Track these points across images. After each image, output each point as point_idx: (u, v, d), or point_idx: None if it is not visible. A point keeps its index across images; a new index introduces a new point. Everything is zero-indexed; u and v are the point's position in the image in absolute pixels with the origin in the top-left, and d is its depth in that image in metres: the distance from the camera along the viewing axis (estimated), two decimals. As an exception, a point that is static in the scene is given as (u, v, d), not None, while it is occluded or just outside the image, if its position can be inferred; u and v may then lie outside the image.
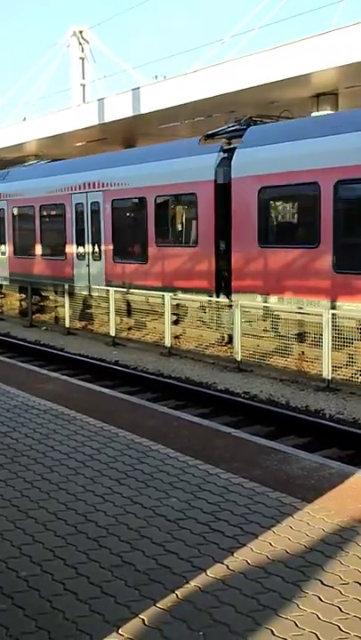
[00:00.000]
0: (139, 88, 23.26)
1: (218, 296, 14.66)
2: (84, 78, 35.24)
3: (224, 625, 3.67)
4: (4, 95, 78.99)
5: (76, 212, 19.10)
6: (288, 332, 13.17)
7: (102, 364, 14.15)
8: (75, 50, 34.94)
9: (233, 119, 16.16)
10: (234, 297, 14.01)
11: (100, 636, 3.59)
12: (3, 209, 22.90)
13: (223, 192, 14.31)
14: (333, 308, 12.06)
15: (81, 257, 19.05)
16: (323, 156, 12.44)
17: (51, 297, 21.17)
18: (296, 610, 3.81)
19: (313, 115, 19.13)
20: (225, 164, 14.37)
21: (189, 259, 15.42)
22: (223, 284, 14.67)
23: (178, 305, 15.65)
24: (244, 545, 4.61)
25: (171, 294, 15.23)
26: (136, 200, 17.18)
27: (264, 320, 13.69)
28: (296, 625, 3.66)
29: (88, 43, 34.94)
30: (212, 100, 20.21)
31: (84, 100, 32.96)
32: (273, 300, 13.43)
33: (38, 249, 21.15)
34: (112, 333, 16.71)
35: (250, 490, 5.60)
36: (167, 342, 15.01)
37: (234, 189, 14.09)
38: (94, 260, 18.49)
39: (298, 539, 4.69)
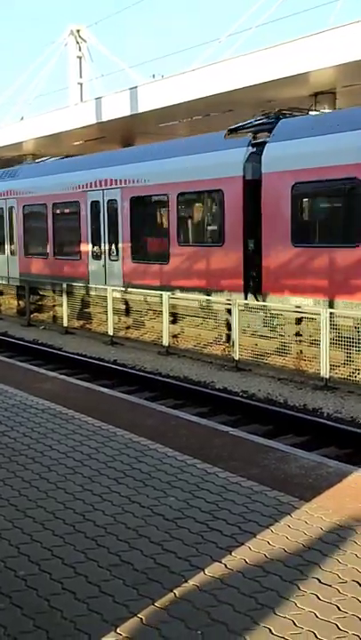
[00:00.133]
0: (136, 87, 23.21)
1: (246, 297, 14.01)
2: (81, 77, 35.16)
3: (222, 624, 3.67)
4: (1, 94, 78.98)
5: (92, 210, 18.48)
6: (285, 331, 13.15)
7: (100, 363, 14.14)
8: (72, 49, 34.84)
9: (260, 113, 15.42)
10: (265, 298, 13.49)
11: (98, 635, 3.60)
12: (13, 207, 22.33)
13: (252, 188, 13.67)
14: None
15: (97, 256, 18.47)
16: None
17: (49, 295, 20.98)
18: (294, 608, 3.82)
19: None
20: (254, 159, 13.71)
21: (215, 258, 14.80)
22: (252, 283, 14.07)
23: (205, 307, 15.00)
24: (243, 544, 4.62)
25: (169, 293, 15.14)
26: (157, 197, 16.65)
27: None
28: (294, 624, 3.67)
29: (86, 42, 34.86)
30: (209, 98, 20.18)
31: (81, 99, 32.93)
32: (309, 302, 12.74)
33: (50, 248, 20.51)
34: (110, 332, 16.71)
35: (248, 489, 5.61)
36: (165, 341, 15.01)
37: (264, 185, 13.37)
38: (111, 259, 17.91)
39: (296, 537, 4.70)
